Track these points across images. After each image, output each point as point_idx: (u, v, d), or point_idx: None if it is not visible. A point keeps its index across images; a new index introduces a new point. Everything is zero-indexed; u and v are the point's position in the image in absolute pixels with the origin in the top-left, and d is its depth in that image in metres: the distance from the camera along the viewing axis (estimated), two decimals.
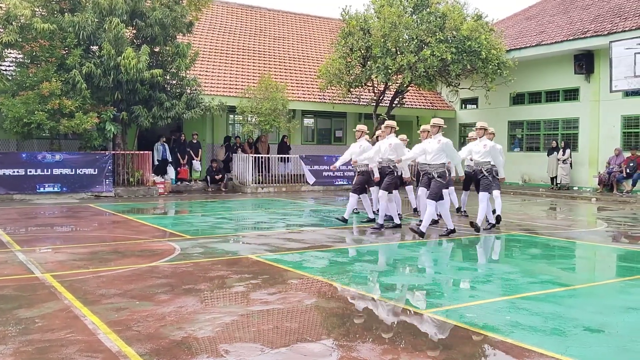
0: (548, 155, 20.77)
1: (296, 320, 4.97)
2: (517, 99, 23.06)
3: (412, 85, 21.24)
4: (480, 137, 10.63)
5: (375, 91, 21.44)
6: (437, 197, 9.32)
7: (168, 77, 17.49)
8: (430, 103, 25.56)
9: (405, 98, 22.66)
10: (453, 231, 9.64)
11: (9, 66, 16.45)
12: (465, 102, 25.48)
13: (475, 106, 25.05)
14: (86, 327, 4.53)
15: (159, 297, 5.55)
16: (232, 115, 21.73)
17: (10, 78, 15.60)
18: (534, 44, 21.21)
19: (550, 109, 21.88)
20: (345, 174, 20.31)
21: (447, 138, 9.71)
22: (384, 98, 21.81)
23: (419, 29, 19.27)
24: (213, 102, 18.05)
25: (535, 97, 22.55)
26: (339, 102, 21.99)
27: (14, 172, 14.94)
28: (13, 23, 14.93)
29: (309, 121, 24.54)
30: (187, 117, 17.23)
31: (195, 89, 17.92)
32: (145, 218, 11.66)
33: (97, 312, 4.94)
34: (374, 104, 21.60)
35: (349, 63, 20.35)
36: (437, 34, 19.03)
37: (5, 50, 15.56)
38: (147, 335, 4.38)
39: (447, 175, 9.86)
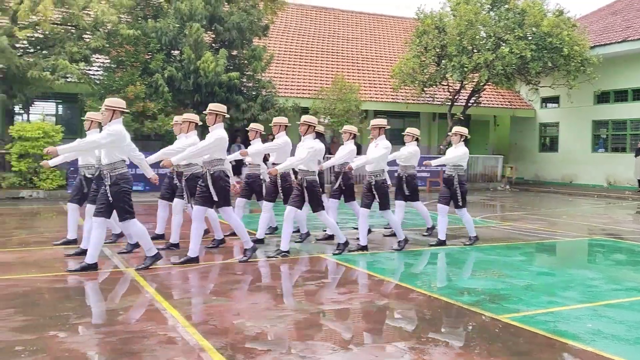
0: (635, 156, 19.65)
1: (367, 321, 4.97)
2: (602, 98, 21.98)
3: (489, 83, 20.72)
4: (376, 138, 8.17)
5: (450, 90, 21.08)
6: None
7: (244, 80, 17.93)
8: (509, 102, 24.81)
9: (481, 97, 22.15)
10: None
11: (97, 70, 17.39)
12: (545, 100, 24.56)
13: (556, 105, 24.10)
14: (166, 320, 4.73)
15: (234, 293, 5.71)
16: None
17: (98, 82, 16.48)
18: (619, 40, 20.15)
19: (637, 107, 20.69)
20: (418, 174, 19.98)
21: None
22: (460, 97, 21.40)
23: (496, 26, 18.78)
24: (287, 104, 18.34)
25: (621, 96, 21.39)
26: (413, 101, 21.76)
27: None
28: (100, 29, 15.77)
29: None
30: (263, 118, 17.58)
31: (270, 91, 18.25)
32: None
33: (176, 306, 5.14)
34: (449, 103, 21.24)
35: (423, 62, 20.11)
36: (515, 30, 18.48)
37: (94, 55, 16.44)
38: (223, 329, 4.52)
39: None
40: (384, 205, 7.92)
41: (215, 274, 6.57)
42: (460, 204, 8.48)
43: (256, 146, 8.55)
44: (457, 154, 8.46)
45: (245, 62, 17.98)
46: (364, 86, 21.92)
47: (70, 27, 15.92)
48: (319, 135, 8.97)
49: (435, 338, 4.43)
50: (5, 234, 9.28)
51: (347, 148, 8.69)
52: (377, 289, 6.06)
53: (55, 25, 15.55)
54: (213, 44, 17.80)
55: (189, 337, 4.31)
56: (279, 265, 7.06)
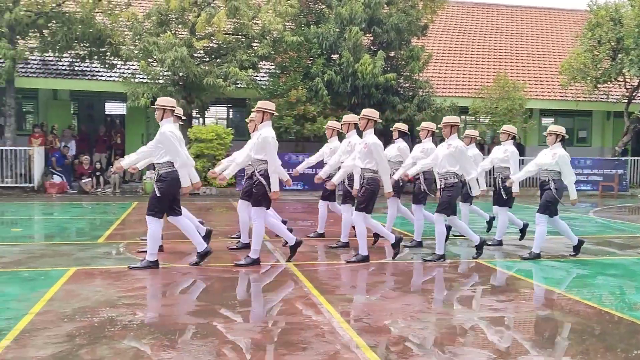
0: None
1: (527, 332, 4.74)
2: None
3: None
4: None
5: (627, 87, 19.24)
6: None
7: (401, 80, 17.94)
8: None
9: None
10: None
11: (263, 77, 18.53)
12: None
13: None
14: (322, 315, 4.91)
15: (387, 293, 5.75)
16: (462, 116, 21.39)
17: (264, 87, 17.54)
18: None
19: None
20: (589, 177, 18.55)
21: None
22: (638, 94, 19.44)
23: None
24: (445, 104, 18.02)
25: None
26: (584, 99, 20.20)
27: None
28: (267, 37, 16.76)
29: (547, 121, 22.99)
30: (418, 118, 17.46)
31: (428, 91, 18.06)
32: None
33: (331, 301, 5.31)
34: (625, 101, 19.39)
35: (595, 57, 18.61)
36: None
37: (261, 62, 17.52)
38: (376, 328, 4.58)
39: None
40: (447, 210, 7.27)
41: (369, 273, 6.67)
42: (542, 210, 7.55)
43: (333, 160, 8.22)
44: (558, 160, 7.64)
45: (403, 62, 17.99)
46: (529, 84, 20.82)
47: (240, 37, 17.14)
48: (403, 135, 8.61)
49: (605, 355, 4.09)
50: None
51: (469, 152, 7.98)
52: (540, 299, 5.74)
53: (227, 35, 16.84)
54: (371, 46, 18.04)
55: (343, 332, 4.43)
56: (433, 268, 6.98)
